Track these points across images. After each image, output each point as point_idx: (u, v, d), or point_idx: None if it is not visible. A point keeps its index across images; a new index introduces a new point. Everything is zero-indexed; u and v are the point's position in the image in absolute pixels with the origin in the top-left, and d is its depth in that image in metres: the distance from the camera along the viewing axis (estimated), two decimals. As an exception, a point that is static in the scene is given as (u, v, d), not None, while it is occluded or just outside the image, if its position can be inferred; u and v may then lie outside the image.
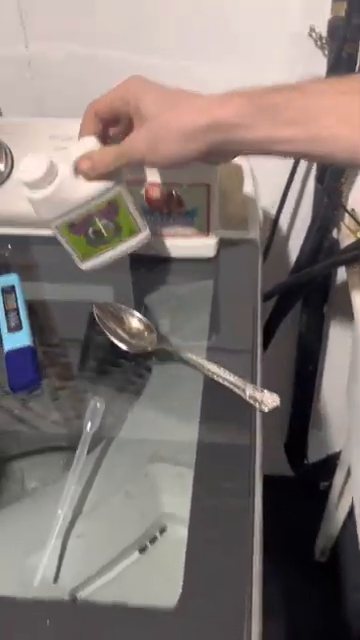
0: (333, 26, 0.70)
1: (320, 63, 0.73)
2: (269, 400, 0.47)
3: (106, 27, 0.75)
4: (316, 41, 0.72)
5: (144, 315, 0.54)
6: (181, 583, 0.37)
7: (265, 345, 0.93)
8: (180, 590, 0.37)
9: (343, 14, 0.68)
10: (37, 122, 0.66)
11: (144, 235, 0.56)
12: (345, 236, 0.82)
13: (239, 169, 0.69)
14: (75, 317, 0.60)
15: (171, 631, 0.35)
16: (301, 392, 1.01)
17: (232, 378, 0.48)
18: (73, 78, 0.78)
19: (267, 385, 0.49)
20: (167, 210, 0.59)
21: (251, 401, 0.47)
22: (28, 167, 0.49)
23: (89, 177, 0.50)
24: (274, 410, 0.48)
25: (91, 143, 0.51)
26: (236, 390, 0.47)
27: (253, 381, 0.49)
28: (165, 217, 0.59)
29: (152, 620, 0.36)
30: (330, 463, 1.06)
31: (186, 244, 0.61)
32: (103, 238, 0.54)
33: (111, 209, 0.52)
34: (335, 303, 0.94)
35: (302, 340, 0.95)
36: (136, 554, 0.42)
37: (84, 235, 0.53)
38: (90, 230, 0.53)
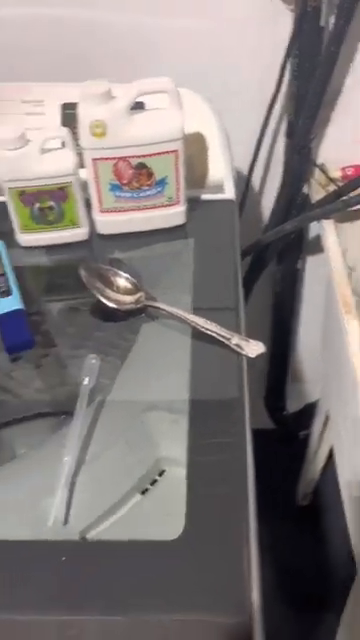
0: (297, -19, 0.71)
1: (286, 22, 0.74)
2: (254, 347, 0.49)
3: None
4: (281, -4, 0.73)
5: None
6: (183, 517, 0.40)
7: (242, 302, 0.95)
8: (183, 523, 0.40)
9: (307, -31, 0.69)
10: (9, 86, 0.65)
11: (82, 231, 0.61)
12: (315, 191, 0.85)
13: (209, 128, 0.70)
14: (57, 281, 0.61)
15: (177, 561, 0.38)
16: (278, 346, 1.05)
17: (218, 329, 0.50)
18: (39, 41, 0.77)
19: (245, 340, 0.50)
20: (137, 184, 0.59)
21: (237, 349, 0.49)
22: (4, 127, 0.55)
23: None
24: (253, 365, 0.50)
25: None
26: (222, 340, 0.50)
27: (238, 332, 0.51)
28: (135, 192, 0.59)
29: (158, 552, 0.39)
30: (308, 412, 1.10)
31: (157, 214, 0.61)
32: (46, 218, 0.59)
33: (61, 194, 0.57)
34: (309, 258, 0.97)
35: (277, 296, 0.98)
36: (138, 496, 0.44)
37: (30, 208, 0.58)
38: (37, 205, 0.58)
